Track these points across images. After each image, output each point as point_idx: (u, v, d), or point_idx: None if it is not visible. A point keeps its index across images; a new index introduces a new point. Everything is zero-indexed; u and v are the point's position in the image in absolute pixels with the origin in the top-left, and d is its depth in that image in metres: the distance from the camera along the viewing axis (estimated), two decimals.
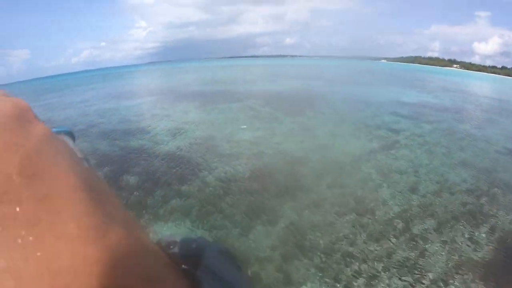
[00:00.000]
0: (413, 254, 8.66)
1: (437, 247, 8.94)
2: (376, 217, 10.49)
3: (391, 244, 9.06)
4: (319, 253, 8.66)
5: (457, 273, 8.03)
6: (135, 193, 13.37)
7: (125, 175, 15.22)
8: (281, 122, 24.13)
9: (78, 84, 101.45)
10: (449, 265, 8.33)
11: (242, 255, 8.78)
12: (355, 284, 7.66)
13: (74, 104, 46.94)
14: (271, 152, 17.13)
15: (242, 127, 22.81)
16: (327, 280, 7.74)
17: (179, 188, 13.39)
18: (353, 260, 8.38)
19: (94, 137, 24.08)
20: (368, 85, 49.26)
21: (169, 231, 10.26)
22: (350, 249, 8.85)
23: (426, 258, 8.56)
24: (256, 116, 26.87)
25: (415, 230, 9.77)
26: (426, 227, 9.90)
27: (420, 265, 8.27)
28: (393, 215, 10.63)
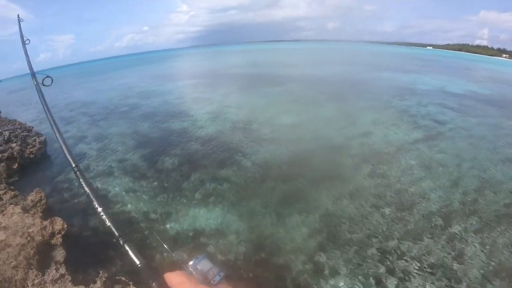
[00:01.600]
0: (450, 255, 8.42)
1: (475, 250, 8.59)
2: (414, 212, 10.30)
3: (428, 242, 8.87)
4: (352, 247, 8.68)
5: (494, 281, 7.68)
6: (172, 174, 13.89)
7: (164, 157, 15.84)
8: (322, 107, 23.98)
9: (121, 68, 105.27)
10: (487, 271, 7.97)
11: (274, 243, 8.97)
12: (386, 282, 7.61)
13: (117, 86, 48.96)
14: (310, 138, 17.14)
15: (282, 112, 22.89)
16: (358, 275, 7.76)
17: (216, 172, 13.76)
18: (387, 257, 8.32)
19: (135, 118, 25.17)
20: (412, 73, 48.49)
21: (204, 215, 10.57)
22: (385, 244, 8.79)
23: (463, 261, 8.27)
24: (296, 100, 26.83)
25: (454, 229, 9.48)
26: (465, 227, 9.54)
27: (456, 268, 8.02)
28: (432, 211, 10.38)
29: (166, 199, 11.83)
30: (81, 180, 1.29)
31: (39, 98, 1.85)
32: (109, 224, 1.14)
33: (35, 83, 1.92)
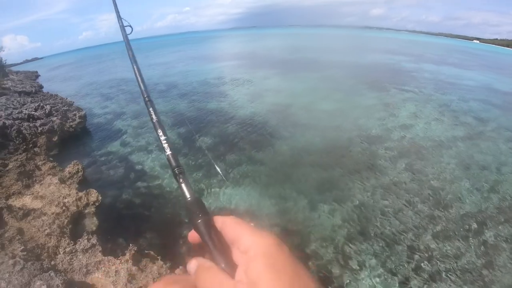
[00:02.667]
0: (480, 261, 7.88)
1: (507, 259, 8.07)
2: (448, 212, 9.72)
3: (460, 245, 8.35)
4: (382, 242, 8.37)
5: None
6: (208, 153, 13.85)
7: (200, 136, 15.94)
8: (362, 95, 23.26)
9: (162, 47, 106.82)
10: None
11: (305, 230, 8.80)
12: (413, 281, 7.27)
13: (157, 65, 49.79)
14: (348, 126, 16.67)
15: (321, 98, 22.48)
16: (384, 271, 7.45)
17: (251, 154, 13.66)
18: (416, 255, 7.94)
19: (173, 97, 25.49)
20: (457, 66, 46.02)
21: (236, 195, 10.53)
22: (415, 243, 8.38)
23: (493, 268, 7.68)
24: (337, 88, 26.20)
25: (488, 235, 8.85)
26: (500, 234, 8.85)
27: (485, 274, 7.48)
28: (467, 213, 9.72)
29: (200, 177, 11.88)
30: (150, 109, 1.25)
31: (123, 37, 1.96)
32: (169, 153, 1.05)
33: (120, 24, 1.99)
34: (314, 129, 16.27)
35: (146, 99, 1.50)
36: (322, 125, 16.85)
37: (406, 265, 7.63)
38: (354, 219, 9.25)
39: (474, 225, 9.17)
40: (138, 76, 1.72)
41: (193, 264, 0.80)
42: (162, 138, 1.23)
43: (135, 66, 1.82)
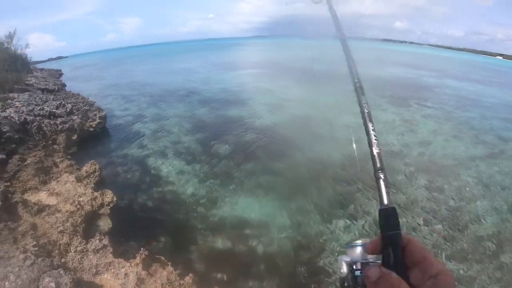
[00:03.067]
0: (496, 286, 7.62)
1: None
2: (466, 233, 9.38)
3: (476, 267, 8.01)
4: None
5: None
6: (223, 161, 13.92)
7: (218, 143, 15.93)
8: (383, 110, 22.95)
9: (185, 52, 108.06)
10: None
11: (318, 244, 8.64)
12: None
13: (180, 70, 50.40)
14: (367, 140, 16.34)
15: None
16: None
17: (268, 164, 13.60)
18: None
19: (194, 102, 25.71)
20: (479, 83, 45.29)
21: (250, 205, 10.44)
22: None
23: None
24: (357, 101, 25.78)
25: (505, 258, 8.49)
26: None
27: None
28: (484, 235, 9.35)
29: (215, 185, 11.84)
30: (362, 96, 1.16)
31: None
32: (377, 151, 0.99)
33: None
34: (333, 142, 16.08)
35: (357, 84, 1.37)
36: (340, 138, 16.64)
37: None
38: (369, 236, 9.05)
39: (492, 247, 8.87)
40: (348, 58, 1.55)
41: (375, 271, 0.80)
42: (373, 133, 1.15)
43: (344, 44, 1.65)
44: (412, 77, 43.18)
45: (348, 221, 9.68)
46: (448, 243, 8.88)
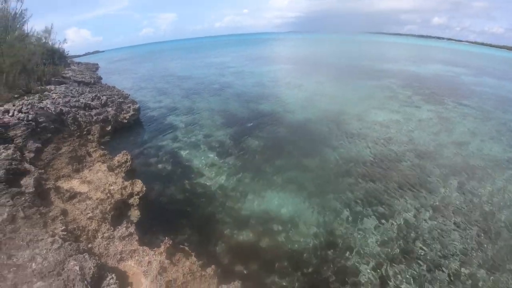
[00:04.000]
0: None
1: None
2: (498, 241, 8.86)
3: (506, 278, 7.52)
4: (423, 265, 7.77)
5: None
6: (256, 156, 13.88)
7: (250, 137, 15.92)
8: (418, 108, 22.17)
9: (219, 47, 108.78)
10: None
11: (345, 243, 8.45)
12: None
13: (214, 64, 50.87)
14: (401, 139, 15.92)
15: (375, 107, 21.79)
16: None
17: (299, 160, 13.46)
18: (457, 283, 7.30)
19: (227, 96, 25.84)
20: None
21: (280, 200, 10.36)
22: (458, 269, 7.66)
23: None
24: (392, 97, 25.24)
25: None
26: None
27: None
28: None
29: (245, 179, 11.84)
30: None
31: None
32: None
33: None
34: (365, 139, 15.74)
35: None
36: (373, 135, 16.27)
37: None
38: (397, 238, 8.75)
39: None
40: None
41: None
42: None
43: None
44: (450, 74, 41.58)
45: (375, 221, 9.42)
46: (478, 250, 8.46)
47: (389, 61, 54.15)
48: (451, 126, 18.23)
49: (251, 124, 18.33)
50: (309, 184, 11.54)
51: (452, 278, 7.42)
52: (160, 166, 13.07)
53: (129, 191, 9.31)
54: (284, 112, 20.68)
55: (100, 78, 35.58)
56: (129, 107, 19.31)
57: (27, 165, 9.04)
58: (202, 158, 13.72)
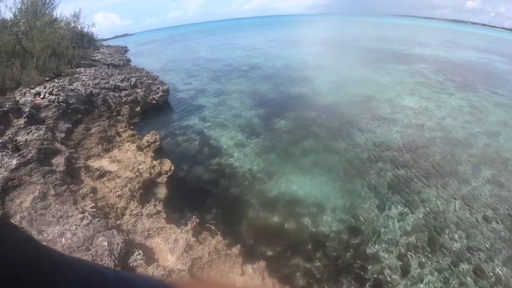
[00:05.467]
0: None
1: None
2: None
3: None
4: (448, 257, 7.43)
5: None
6: (283, 136, 13.78)
7: (277, 119, 15.79)
8: (450, 95, 21.29)
9: (247, 29, 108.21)
10: None
11: (369, 230, 8.27)
12: None
13: (241, 46, 50.72)
14: (432, 126, 15.36)
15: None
16: None
17: (327, 143, 13.24)
18: (481, 279, 6.97)
19: (255, 78, 25.71)
20: None
21: (306, 183, 10.24)
22: (484, 264, 7.36)
23: None
24: (424, 83, 24.36)
25: None
26: None
27: None
28: None
29: (273, 160, 11.75)
30: None
31: None
32: None
33: None
34: (395, 124, 15.29)
35: None
36: (404, 121, 15.79)
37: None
38: (423, 227, 8.44)
39: None
40: None
41: None
42: None
43: None
44: (483, 61, 39.68)
45: (403, 209, 9.12)
46: (506, 247, 8.09)
47: (420, 45, 52.51)
48: (482, 116, 17.45)
49: (280, 105, 18.16)
50: (336, 168, 11.33)
51: (476, 272, 7.14)
52: (188, 146, 13.16)
53: (157, 170, 9.41)
54: (313, 94, 20.36)
55: (129, 60, 36.01)
56: (158, 88, 19.47)
57: (58, 145, 9.26)
58: (230, 138, 13.70)
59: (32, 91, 12.67)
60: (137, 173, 8.88)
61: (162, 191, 8.71)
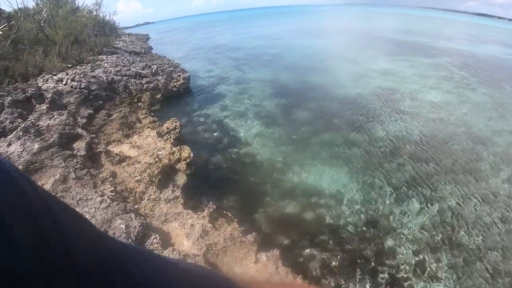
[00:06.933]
0: None
1: None
2: None
3: None
4: (462, 254, 7.31)
5: None
6: (303, 128, 13.66)
7: (299, 109, 15.69)
8: (474, 90, 20.67)
9: (268, 18, 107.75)
10: None
11: (385, 224, 8.17)
12: None
13: (262, 35, 50.61)
14: (454, 121, 14.98)
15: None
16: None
17: (348, 135, 13.08)
18: (496, 279, 6.84)
19: (277, 68, 25.60)
20: None
21: (324, 175, 10.17)
22: (500, 264, 7.16)
23: None
24: (447, 77, 23.76)
25: None
26: None
27: None
28: None
29: (292, 151, 11.69)
30: None
31: None
32: None
33: None
34: (417, 118, 14.98)
35: None
36: (425, 115, 15.45)
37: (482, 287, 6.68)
38: (440, 224, 8.28)
39: None
40: None
41: None
42: None
43: None
44: (509, 57, 38.66)
45: (420, 204, 8.94)
46: None
47: (445, 38, 51.30)
48: (507, 113, 16.94)
49: (300, 96, 18.05)
50: (355, 160, 11.19)
51: (491, 272, 6.98)
52: (207, 134, 13.22)
53: (176, 157, 9.47)
54: (335, 86, 20.11)
55: (151, 48, 36.25)
56: (179, 76, 19.57)
57: (79, 130, 9.43)
58: (250, 127, 13.70)
59: (55, 77, 12.91)
60: (157, 159, 8.96)
61: (180, 177, 8.77)
